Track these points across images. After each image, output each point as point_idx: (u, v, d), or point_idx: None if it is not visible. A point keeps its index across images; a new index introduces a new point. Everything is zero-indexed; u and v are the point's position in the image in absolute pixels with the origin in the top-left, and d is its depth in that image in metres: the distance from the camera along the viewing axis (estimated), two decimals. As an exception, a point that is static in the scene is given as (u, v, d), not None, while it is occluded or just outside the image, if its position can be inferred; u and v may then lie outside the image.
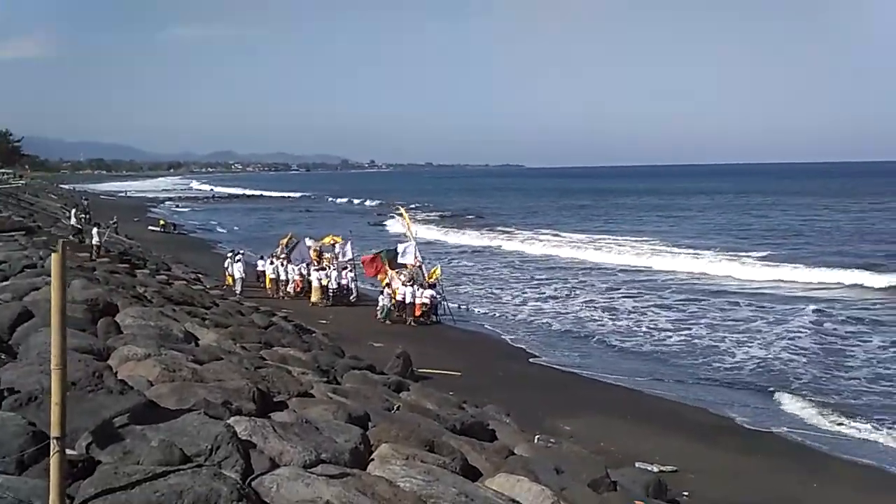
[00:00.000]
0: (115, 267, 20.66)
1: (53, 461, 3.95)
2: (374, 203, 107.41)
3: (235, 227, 68.79)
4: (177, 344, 9.62)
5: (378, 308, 27.42)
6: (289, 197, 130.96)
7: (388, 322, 26.97)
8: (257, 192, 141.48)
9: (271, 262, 32.26)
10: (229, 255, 33.05)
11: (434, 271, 30.79)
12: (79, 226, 29.83)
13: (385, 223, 68.27)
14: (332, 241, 33.85)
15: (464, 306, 29.81)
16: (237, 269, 30.41)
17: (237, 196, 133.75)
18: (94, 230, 30.79)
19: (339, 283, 30.62)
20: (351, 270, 31.25)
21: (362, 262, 30.88)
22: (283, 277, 31.67)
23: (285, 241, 35.78)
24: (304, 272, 31.68)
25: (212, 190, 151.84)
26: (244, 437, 5.62)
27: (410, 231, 32.95)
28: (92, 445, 5.07)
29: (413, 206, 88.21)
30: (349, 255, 32.10)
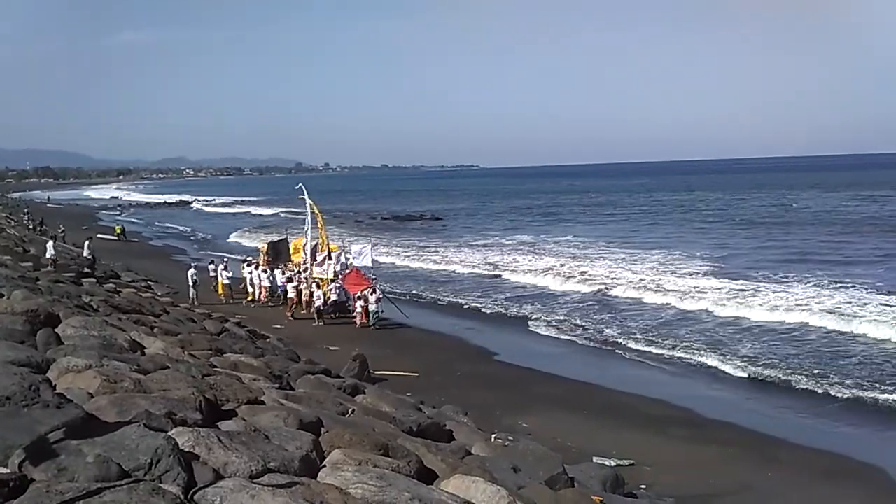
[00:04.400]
0: (59, 276, 20.08)
1: (-24, 483, 3.74)
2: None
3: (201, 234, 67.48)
4: (121, 354, 9.29)
5: (371, 313, 26.65)
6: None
7: (375, 327, 26.35)
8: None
9: (226, 268, 31.63)
10: (210, 265, 32.57)
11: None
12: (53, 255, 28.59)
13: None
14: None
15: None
16: (190, 276, 29.69)
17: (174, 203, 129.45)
18: (49, 243, 29.82)
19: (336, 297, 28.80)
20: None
21: (343, 281, 28.77)
22: (265, 284, 30.49)
23: (265, 248, 34.64)
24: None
25: (123, 202, 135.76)
26: (187, 449, 5.41)
27: (321, 221, 32.34)
28: (25, 463, 4.82)
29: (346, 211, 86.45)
30: (367, 262, 30.16)
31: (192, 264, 32.52)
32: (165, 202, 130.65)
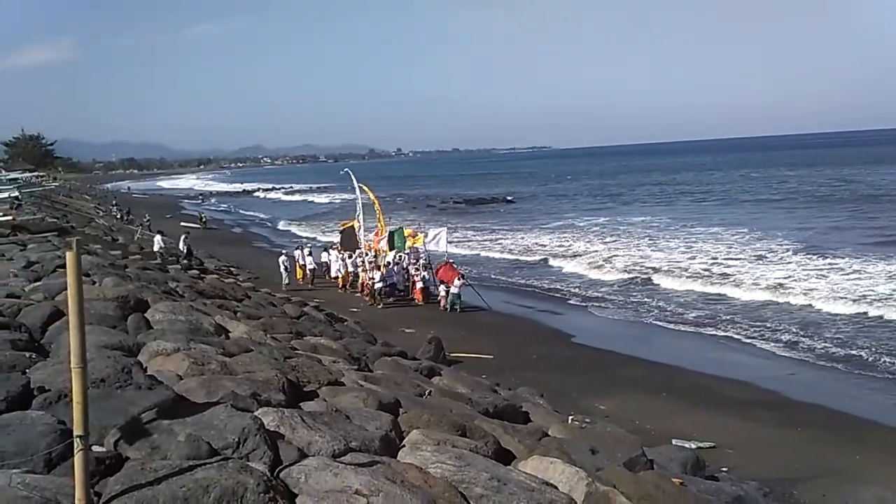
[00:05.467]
0: (146, 263, 20.86)
1: (77, 459, 3.94)
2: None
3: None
4: (206, 337, 9.62)
5: (447, 297, 26.91)
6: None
7: (455, 310, 26.53)
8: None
9: (310, 254, 32.47)
10: (295, 250, 33.45)
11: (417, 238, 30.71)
12: (185, 249, 29.71)
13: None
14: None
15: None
16: (280, 262, 30.68)
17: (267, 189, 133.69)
18: (157, 237, 30.56)
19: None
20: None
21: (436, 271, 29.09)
22: (349, 269, 31.35)
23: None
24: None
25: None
26: (272, 429, 5.58)
27: (378, 206, 32.65)
28: (120, 442, 5.05)
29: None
30: (442, 247, 30.29)
31: (283, 251, 33.42)
32: (244, 190, 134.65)
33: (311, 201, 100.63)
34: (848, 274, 29.08)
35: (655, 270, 33.24)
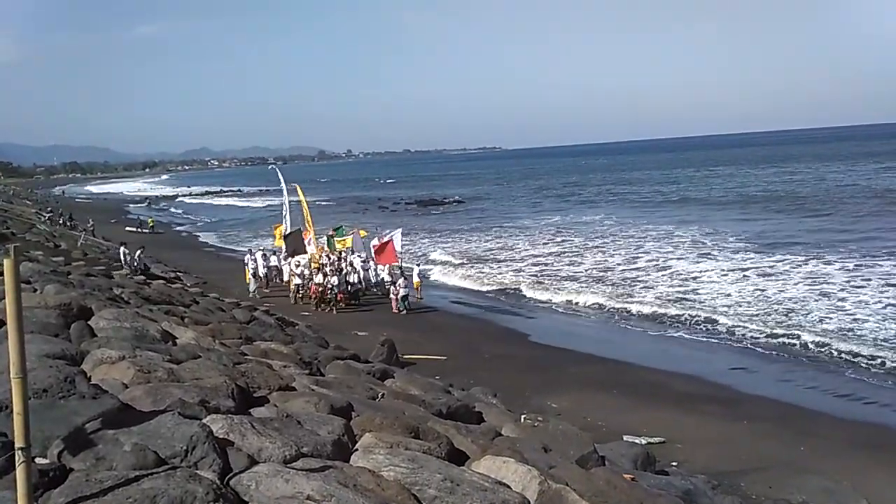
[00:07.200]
0: (90, 269, 20.39)
1: (19, 472, 3.82)
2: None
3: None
4: (153, 344, 9.41)
5: (398, 298, 26.65)
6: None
7: (405, 312, 26.31)
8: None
9: (264, 257, 32.02)
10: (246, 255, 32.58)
11: (345, 241, 30.74)
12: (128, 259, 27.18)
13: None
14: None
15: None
16: (249, 267, 30.32)
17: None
18: (122, 249, 28.14)
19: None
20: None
21: (373, 250, 29.49)
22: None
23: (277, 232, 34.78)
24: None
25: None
26: (221, 436, 5.48)
27: (306, 210, 32.56)
28: (64, 453, 4.91)
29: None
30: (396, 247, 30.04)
31: (245, 256, 32.86)
32: (190, 193, 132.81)
33: (241, 206, 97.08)
34: (774, 275, 29.76)
35: (603, 269, 33.69)
